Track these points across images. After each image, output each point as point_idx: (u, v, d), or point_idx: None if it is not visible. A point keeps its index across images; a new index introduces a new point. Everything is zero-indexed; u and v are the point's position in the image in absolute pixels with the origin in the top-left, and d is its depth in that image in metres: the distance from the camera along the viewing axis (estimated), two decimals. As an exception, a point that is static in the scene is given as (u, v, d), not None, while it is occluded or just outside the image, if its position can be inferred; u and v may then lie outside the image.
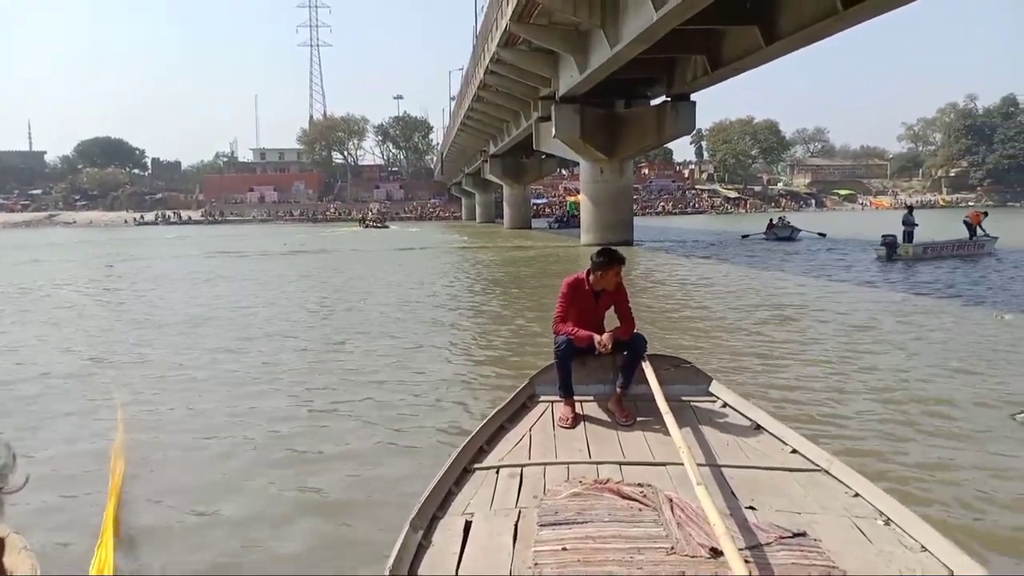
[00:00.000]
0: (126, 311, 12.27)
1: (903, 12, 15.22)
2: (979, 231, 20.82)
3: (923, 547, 2.49)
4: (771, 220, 31.18)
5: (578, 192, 33.61)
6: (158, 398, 6.42)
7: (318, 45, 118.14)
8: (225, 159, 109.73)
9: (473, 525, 2.70)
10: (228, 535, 3.84)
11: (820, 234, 29.21)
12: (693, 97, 25.91)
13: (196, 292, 14.85)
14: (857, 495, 2.94)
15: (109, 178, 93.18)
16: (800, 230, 29.47)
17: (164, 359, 8.09)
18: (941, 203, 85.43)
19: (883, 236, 19.35)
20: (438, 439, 5.09)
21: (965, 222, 21.34)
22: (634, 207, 33.55)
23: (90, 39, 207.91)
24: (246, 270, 20.47)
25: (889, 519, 2.70)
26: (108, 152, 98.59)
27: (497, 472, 3.26)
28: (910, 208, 22.31)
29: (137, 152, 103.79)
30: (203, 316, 11.34)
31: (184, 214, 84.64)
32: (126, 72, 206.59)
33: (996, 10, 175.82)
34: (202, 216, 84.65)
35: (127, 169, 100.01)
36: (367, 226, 55.65)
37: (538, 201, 74.71)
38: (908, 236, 20.10)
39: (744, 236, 30.08)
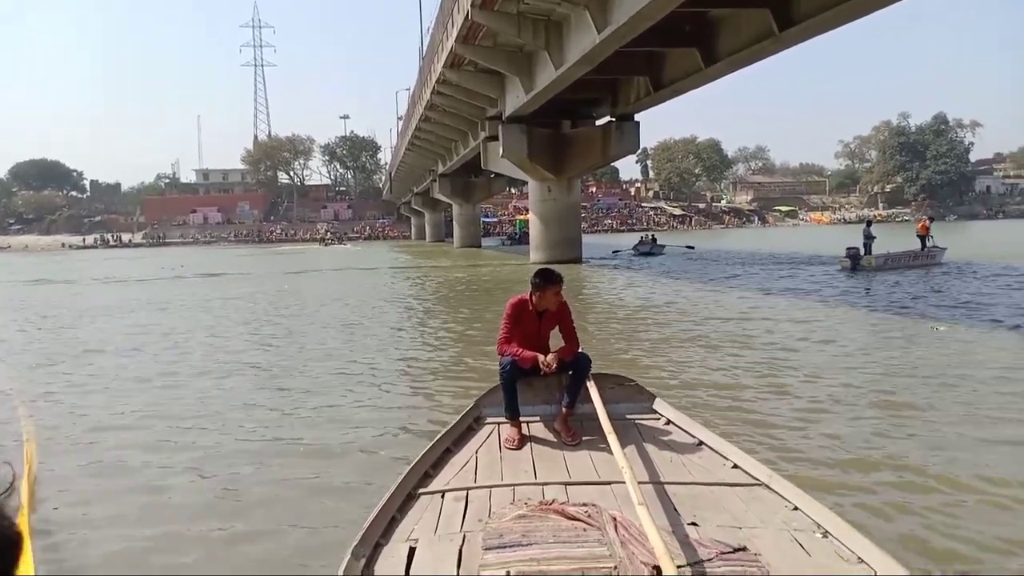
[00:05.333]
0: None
1: (839, 32, 15.81)
2: (929, 241, 21.91)
3: (859, 558, 2.56)
4: (642, 237, 35.42)
5: (528, 211, 33.94)
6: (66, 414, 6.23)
7: (262, 65, 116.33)
8: (167, 180, 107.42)
9: (417, 551, 2.67)
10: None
11: (688, 247, 33.67)
12: (637, 117, 26.42)
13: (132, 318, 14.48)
14: (796, 508, 3.00)
15: (45, 201, 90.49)
16: (665, 245, 33.69)
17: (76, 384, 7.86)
18: (878, 217, 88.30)
19: (847, 248, 20.64)
20: (382, 464, 5.01)
21: (918, 235, 22.40)
22: (582, 225, 34.22)
23: (23, 59, 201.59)
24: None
25: (827, 531, 2.76)
26: (44, 174, 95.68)
27: (442, 496, 3.24)
28: (869, 222, 23.67)
29: (75, 174, 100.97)
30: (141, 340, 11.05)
31: (125, 237, 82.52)
32: (63, 92, 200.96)
33: (927, 31, 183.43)
34: (143, 239, 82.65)
35: (64, 192, 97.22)
36: (326, 244, 67.00)
37: (488, 220, 75.04)
38: (867, 248, 21.10)
39: (615, 251, 32.91)
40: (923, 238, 21.95)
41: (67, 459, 5.33)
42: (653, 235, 36.52)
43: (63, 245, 77.60)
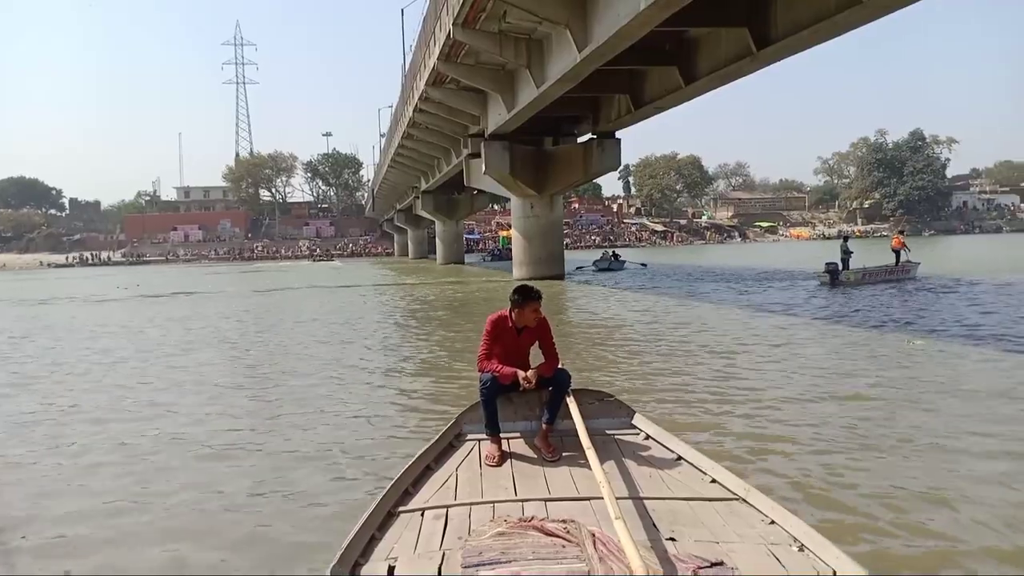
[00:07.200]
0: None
1: (816, 50, 16.05)
2: (903, 255, 22.44)
3: (834, 572, 2.58)
4: (603, 253, 37.43)
5: (510, 227, 34.10)
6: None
7: (244, 83, 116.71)
8: (147, 198, 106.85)
9: (396, 571, 2.66)
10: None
11: (642, 264, 35.13)
12: (618, 134, 26.63)
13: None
14: (773, 522, 3.02)
15: (23, 219, 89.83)
16: (624, 261, 35.10)
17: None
18: (856, 233, 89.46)
19: (826, 264, 21.06)
20: (361, 481, 4.97)
21: (893, 250, 22.90)
22: (565, 241, 34.48)
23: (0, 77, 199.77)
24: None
25: (803, 545, 2.79)
26: (22, 192, 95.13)
27: (422, 514, 3.23)
28: (846, 238, 24.59)
29: (53, 192, 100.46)
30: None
31: (104, 255, 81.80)
32: (42, 110, 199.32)
33: (903, 48, 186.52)
34: (123, 257, 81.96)
35: (43, 210, 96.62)
36: (316, 260, 73.39)
37: (471, 236, 75.26)
38: (845, 263, 21.54)
39: (578, 268, 33.96)
40: (898, 253, 22.48)
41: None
42: (614, 252, 37.84)
43: (41, 264, 76.82)
